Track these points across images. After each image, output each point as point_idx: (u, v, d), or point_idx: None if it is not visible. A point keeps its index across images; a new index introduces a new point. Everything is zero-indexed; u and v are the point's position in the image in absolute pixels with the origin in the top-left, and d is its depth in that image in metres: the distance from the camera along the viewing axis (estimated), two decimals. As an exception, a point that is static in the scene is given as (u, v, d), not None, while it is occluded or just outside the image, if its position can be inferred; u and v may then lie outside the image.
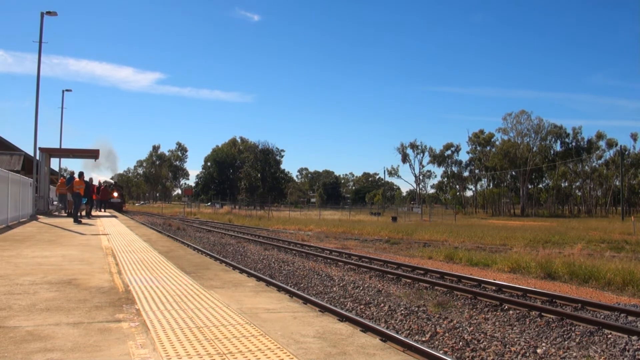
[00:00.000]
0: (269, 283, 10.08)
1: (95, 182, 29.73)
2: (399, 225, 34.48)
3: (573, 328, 7.26)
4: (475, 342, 6.60)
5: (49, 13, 22.93)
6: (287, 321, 4.09)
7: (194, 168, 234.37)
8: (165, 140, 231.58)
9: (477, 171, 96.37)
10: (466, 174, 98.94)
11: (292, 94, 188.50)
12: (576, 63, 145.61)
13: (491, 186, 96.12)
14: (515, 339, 6.81)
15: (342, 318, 7.06)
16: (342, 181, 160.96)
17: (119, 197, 52.73)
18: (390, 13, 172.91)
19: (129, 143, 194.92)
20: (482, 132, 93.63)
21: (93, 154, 28.09)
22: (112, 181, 70.65)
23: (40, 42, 22.85)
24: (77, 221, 17.47)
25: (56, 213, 25.62)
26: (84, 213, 21.16)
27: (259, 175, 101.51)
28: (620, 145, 71.11)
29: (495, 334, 7.01)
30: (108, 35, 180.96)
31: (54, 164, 35.44)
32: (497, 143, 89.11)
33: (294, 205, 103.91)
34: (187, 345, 3.28)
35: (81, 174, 19.07)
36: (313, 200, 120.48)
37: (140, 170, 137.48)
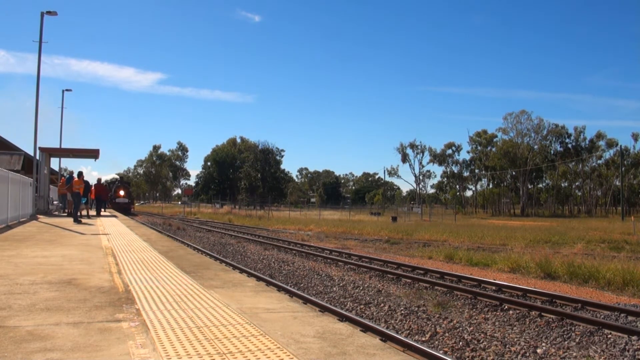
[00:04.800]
0: (269, 283, 10.09)
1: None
2: (399, 225, 34.47)
3: (573, 328, 7.26)
4: (475, 342, 6.60)
5: (49, 13, 22.93)
6: (287, 321, 4.09)
7: (194, 168, 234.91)
8: (165, 140, 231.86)
9: (477, 171, 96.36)
10: (466, 173, 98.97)
11: (293, 94, 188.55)
12: (576, 63, 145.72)
13: (491, 186, 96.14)
14: (515, 339, 6.81)
15: (342, 318, 7.06)
16: (342, 181, 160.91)
17: (126, 196, 44.28)
18: (390, 13, 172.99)
19: (130, 143, 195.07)
20: (485, 132, 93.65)
21: (93, 154, 28.08)
22: (117, 177, 62.44)
23: (40, 41, 22.86)
24: (77, 221, 17.46)
25: (56, 213, 25.62)
26: (84, 213, 21.17)
27: (259, 175, 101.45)
28: (620, 145, 71.13)
29: (495, 334, 7.01)
30: (110, 36, 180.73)
31: (54, 163, 35.44)
32: (499, 143, 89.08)
33: (294, 205, 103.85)
34: (187, 345, 3.28)
35: (80, 174, 19.07)
36: (313, 200, 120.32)
37: (140, 170, 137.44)
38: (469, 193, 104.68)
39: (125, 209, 40.66)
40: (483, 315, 8.26)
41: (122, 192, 43.93)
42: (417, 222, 44.27)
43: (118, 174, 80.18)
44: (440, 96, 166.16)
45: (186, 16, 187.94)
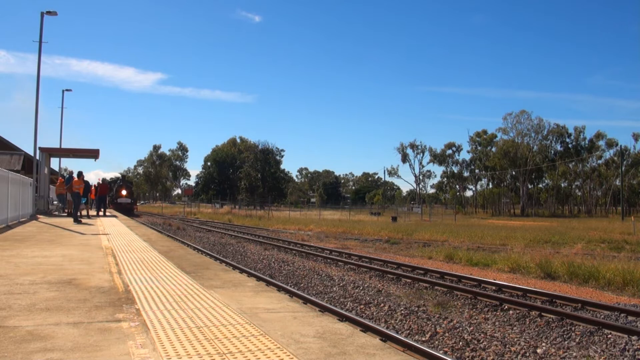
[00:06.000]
0: (269, 283, 10.09)
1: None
2: (399, 225, 34.46)
3: (573, 328, 7.26)
4: (475, 342, 6.60)
5: (49, 13, 22.93)
6: (287, 321, 4.09)
7: (194, 168, 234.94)
8: (166, 140, 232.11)
9: (477, 171, 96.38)
10: (466, 173, 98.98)
11: (293, 94, 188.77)
12: (576, 63, 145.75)
13: (491, 186, 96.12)
14: (515, 339, 6.81)
15: (342, 318, 7.06)
16: (342, 181, 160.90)
17: (128, 196, 42.41)
18: (390, 13, 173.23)
19: (130, 143, 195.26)
20: (485, 132, 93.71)
21: (93, 154, 28.08)
22: (119, 176, 59.59)
23: (40, 41, 22.87)
24: (77, 221, 17.46)
25: (56, 213, 25.62)
26: (84, 213, 21.17)
27: (259, 175, 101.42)
28: (620, 145, 71.20)
29: (495, 334, 7.01)
30: (110, 36, 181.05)
31: (54, 163, 35.43)
32: (499, 143, 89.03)
33: (294, 205, 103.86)
34: (187, 345, 3.27)
35: (80, 174, 19.07)
36: (313, 200, 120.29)
37: (140, 170, 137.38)
38: (469, 193, 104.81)
39: (128, 210, 39.03)
40: (483, 315, 8.26)
41: (124, 192, 42.22)
42: (417, 222, 44.26)
43: (120, 174, 77.91)
44: (440, 96, 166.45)
45: (186, 16, 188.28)
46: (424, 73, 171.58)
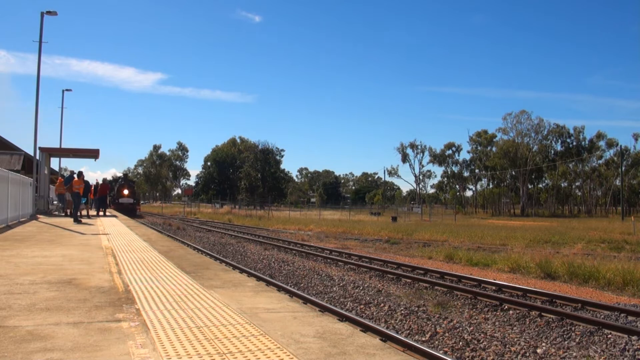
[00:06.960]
0: (269, 283, 10.09)
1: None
2: (399, 225, 34.47)
3: (573, 328, 7.26)
4: (475, 342, 6.60)
5: (49, 13, 22.93)
6: (287, 321, 4.09)
7: (194, 168, 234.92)
8: (166, 140, 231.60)
9: (477, 171, 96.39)
10: (466, 173, 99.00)
11: (293, 94, 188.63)
12: (576, 63, 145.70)
13: (491, 186, 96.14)
14: (515, 339, 6.81)
15: (342, 318, 7.06)
16: (342, 181, 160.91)
17: (131, 196, 40.31)
18: (390, 13, 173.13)
19: (130, 143, 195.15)
20: (485, 132, 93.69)
21: (93, 154, 28.06)
22: (121, 174, 57.43)
23: (40, 42, 22.87)
24: (77, 221, 17.46)
25: (56, 213, 25.61)
26: (84, 212, 21.16)
27: (259, 175, 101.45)
28: (620, 145, 71.19)
29: (495, 334, 7.01)
30: (110, 36, 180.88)
31: (54, 163, 35.41)
32: (499, 143, 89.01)
33: (294, 205, 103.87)
34: (187, 345, 3.27)
35: (80, 174, 19.07)
36: (313, 200, 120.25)
37: (140, 170, 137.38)
38: (469, 193, 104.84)
39: (130, 210, 37.02)
40: (483, 315, 8.26)
41: (126, 192, 40.14)
42: (417, 222, 44.26)
43: (123, 172, 74.96)
44: (440, 96, 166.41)
45: (186, 16, 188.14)
46: (424, 73, 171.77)
